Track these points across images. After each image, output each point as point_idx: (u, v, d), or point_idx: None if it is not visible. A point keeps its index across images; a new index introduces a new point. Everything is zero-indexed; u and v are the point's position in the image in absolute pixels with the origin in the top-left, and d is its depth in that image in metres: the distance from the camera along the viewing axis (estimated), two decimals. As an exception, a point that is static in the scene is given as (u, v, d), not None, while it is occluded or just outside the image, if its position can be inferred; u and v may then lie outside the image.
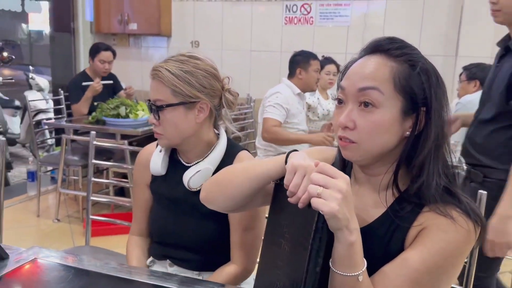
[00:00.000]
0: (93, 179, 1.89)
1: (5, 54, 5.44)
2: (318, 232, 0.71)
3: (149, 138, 3.50)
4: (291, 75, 2.95)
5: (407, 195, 0.82)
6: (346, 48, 3.89)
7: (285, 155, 0.83)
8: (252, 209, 1.13)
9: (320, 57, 3.06)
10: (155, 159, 1.25)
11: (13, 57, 5.41)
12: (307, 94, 3.11)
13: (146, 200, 1.34)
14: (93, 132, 1.90)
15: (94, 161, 1.89)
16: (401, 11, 3.78)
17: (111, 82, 3.51)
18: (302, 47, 3.12)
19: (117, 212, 3.47)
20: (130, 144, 2.91)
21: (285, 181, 0.77)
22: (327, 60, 3.46)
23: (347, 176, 0.73)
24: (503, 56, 1.66)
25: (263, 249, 0.89)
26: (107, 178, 3.46)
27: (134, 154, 2.76)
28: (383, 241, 0.83)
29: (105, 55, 3.50)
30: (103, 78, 3.57)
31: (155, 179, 1.29)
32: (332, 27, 3.94)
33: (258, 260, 1.10)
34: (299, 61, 2.91)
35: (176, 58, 1.17)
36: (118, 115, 3.16)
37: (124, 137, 3.08)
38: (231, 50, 4.22)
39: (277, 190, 0.85)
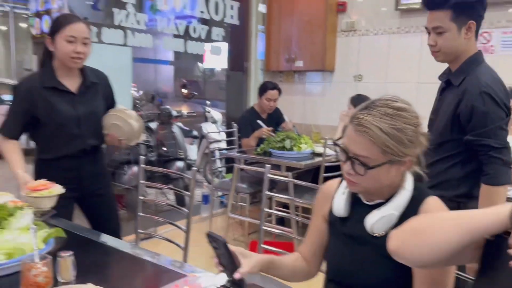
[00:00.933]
0: (265, 209, 2.00)
1: (186, 91, 6.30)
2: None
3: (309, 171, 3.58)
4: None
5: None
6: (536, 78, 3.38)
7: (508, 207, 0.72)
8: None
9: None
10: (338, 201, 1.24)
11: (195, 93, 6.23)
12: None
13: (318, 228, 1.35)
14: (268, 166, 2.01)
15: (267, 192, 2.00)
16: None
17: (273, 135, 3.64)
18: (481, 79, 2.83)
19: (278, 240, 3.58)
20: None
21: None
22: (513, 93, 3.06)
23: None
24: (444, 90, 1.82)
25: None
26: (270, 207, 3.63)
27: (295, 186, 2.86)
28: None
29: (272, 93, 3.83)
30: (268, 115, 3.93)
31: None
32: (517, 56, 3.49)
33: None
34: None
35: (383, 111, 1.09)
36: (283, 148, 3.32)
37: (288, 169, 3.20)
38: (396, 82, 4.06)
39: (492, 248, 0.75)
